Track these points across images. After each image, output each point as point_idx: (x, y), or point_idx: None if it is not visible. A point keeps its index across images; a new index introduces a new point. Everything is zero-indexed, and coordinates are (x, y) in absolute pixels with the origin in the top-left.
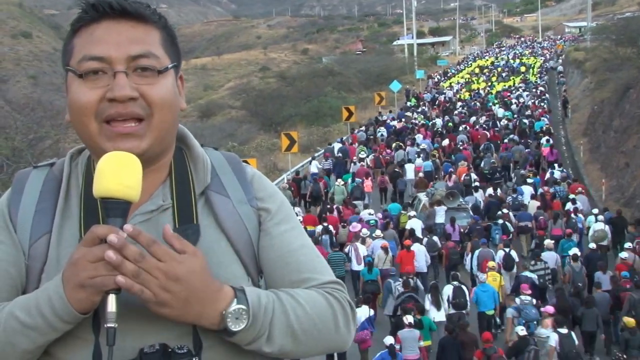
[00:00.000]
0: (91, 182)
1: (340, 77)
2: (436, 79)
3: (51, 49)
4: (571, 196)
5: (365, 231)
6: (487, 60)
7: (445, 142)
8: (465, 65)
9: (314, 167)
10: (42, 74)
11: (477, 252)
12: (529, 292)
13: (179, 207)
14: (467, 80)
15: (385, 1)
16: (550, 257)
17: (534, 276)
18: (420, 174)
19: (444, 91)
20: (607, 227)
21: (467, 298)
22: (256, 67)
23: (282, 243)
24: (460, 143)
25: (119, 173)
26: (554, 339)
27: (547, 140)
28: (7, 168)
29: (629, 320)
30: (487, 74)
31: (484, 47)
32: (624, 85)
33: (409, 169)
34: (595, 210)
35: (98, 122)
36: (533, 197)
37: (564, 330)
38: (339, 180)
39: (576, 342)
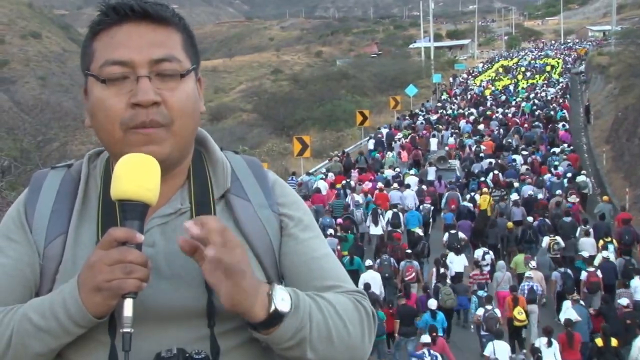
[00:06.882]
0: (110, 184)
1: (354, 80)
2: (462, 78)
3: (60, 50)
4: (555, 163)
5: (379, 185)
6: (512, 60)
7: (481, 127)
8: (490, 65)
9: (371, 144)
10: (51, 75)
11: (446, 194)
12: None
13: (197, 210)
14: (493, 78)
15: (401, 3)
16: (526, 189)
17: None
18: (446, 148)
19: (472, 87)
20: (587, 179)
21: (401, 220)
22: (268, 69)
23: (306, 249)
24: (496, 128)
25: (136, 175)
26: (444, 237)
27: (563, 125)
28: (15, 170)
29: (509, 224)
30: (512, 72)
31: (503, 50)
32: None
33: (433, 142)
34: (569, 174)
35: (123, 130)
36: (524, 163)
37: (453, 231)
38: (389, 153)
39: (461, 235)
